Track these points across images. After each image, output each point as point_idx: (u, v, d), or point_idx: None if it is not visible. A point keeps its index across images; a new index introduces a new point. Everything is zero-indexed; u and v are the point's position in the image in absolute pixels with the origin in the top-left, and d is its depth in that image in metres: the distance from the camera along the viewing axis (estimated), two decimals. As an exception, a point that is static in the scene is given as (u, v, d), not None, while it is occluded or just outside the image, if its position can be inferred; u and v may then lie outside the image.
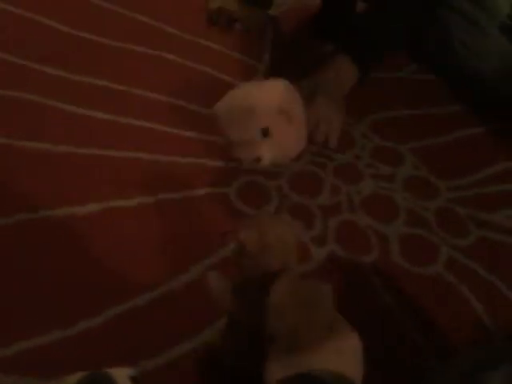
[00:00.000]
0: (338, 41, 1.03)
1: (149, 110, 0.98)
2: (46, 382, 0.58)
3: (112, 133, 0.92)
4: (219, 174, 0.89)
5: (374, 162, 0.98)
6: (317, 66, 0.96)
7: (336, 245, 0.82)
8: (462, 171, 1.00)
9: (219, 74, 1.10)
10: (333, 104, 0.92)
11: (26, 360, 0.61)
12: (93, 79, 1.02)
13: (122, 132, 0.92)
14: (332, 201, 0.89)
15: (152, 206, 0.81)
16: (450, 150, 1.04)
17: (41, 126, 0.90)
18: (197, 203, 0.84)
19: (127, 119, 0.95)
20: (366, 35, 0.97)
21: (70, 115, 0.93)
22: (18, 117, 0.91)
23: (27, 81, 0.98)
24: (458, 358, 0.60)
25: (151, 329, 0.66)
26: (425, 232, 0.87)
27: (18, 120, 0.90)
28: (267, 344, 0.48)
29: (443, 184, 0.96)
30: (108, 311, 0.67)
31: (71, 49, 1.08)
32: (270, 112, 0.80)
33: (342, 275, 0.78)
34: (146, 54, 1.11)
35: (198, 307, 0.68)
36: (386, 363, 0.68)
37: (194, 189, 0.85)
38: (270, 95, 0.82)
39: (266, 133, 0.80)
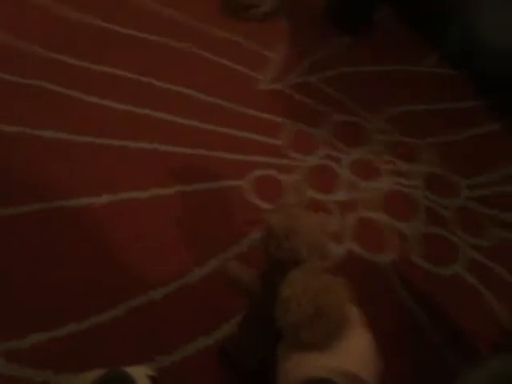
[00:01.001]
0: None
1: (170, 103, 0.97)
2: (63, 377, 0.57)
3: (131, 124, 0.91)
4: (237, 167, 0.88)
5: (392, 158, 0.96)
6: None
7: (353, 243, 0.81)
8: (481, 168, 0.98)
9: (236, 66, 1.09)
10: None
11: (41, 353, 0.60)
12: (115, 69, 1.01)
13: (141, 123, 0.91)
14: (348, 197, 0.88)
15: (169, 198, 0.80)
16: (469, 146, 1.02)
17: (60, 115, 0.89)
18: (214, 196, 0.83)
19: (145, 110, 0.94)
20: None
21: (89, 105, 0.92)
22: (37, 105, 0.90)
23: (48, 70, 0.97)
24: (484, 360, 0.59)
25: (167, 323, 0.66)
26: (444, 231, 0.85)
27: (37, 109, 0.89)
28: (279, 337, 0.47)
29: (463, 181, 0.95)
30: (122, 305, 0.66)
31: (98, 40, 1.07)
32: None
33: (360, 274, 0.77)
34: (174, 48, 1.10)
35: (214, 303, 0.68)
36: (403, 362, 0.67)
37: (213, 181, 0.84)
38: None
39: None
